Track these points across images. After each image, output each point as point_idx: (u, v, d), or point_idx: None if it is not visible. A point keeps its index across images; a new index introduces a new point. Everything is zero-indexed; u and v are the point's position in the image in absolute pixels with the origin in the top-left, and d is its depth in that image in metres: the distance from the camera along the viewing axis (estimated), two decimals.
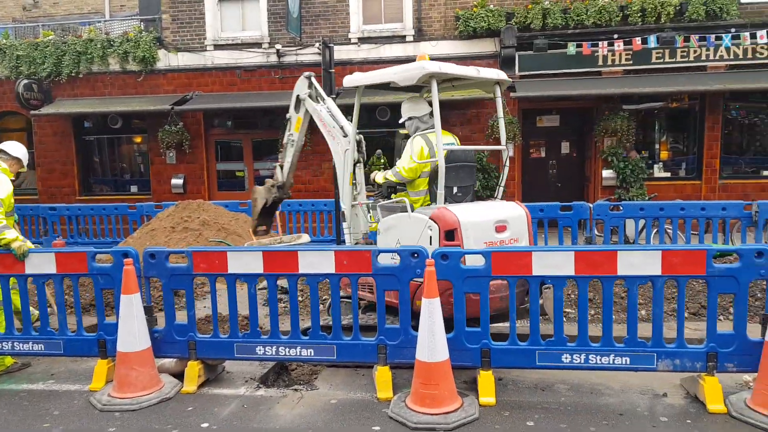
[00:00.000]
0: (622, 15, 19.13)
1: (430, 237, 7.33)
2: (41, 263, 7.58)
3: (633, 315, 6.48)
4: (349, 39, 21.05)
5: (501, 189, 8.83)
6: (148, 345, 7.05)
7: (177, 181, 22.04)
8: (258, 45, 21.58)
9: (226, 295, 7.44)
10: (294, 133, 10.38)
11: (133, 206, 17.65)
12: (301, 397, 7.00)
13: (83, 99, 22.40)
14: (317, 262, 7.02)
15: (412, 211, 7.72)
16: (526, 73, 19.89)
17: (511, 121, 18.75)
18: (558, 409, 6.45)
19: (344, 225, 8.67)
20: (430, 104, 8.44)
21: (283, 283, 9.67)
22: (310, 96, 9.90)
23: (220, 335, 7.37)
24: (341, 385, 7.33)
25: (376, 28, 21.12)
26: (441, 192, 7.59)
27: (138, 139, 23.60)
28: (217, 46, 21.83)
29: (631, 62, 19.29)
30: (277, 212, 15.79)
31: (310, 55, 21.13)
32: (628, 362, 6.44)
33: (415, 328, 6.62)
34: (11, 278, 7.86)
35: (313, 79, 10.02)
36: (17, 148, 8.50)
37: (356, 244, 8.70)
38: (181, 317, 7.50)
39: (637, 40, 18.48)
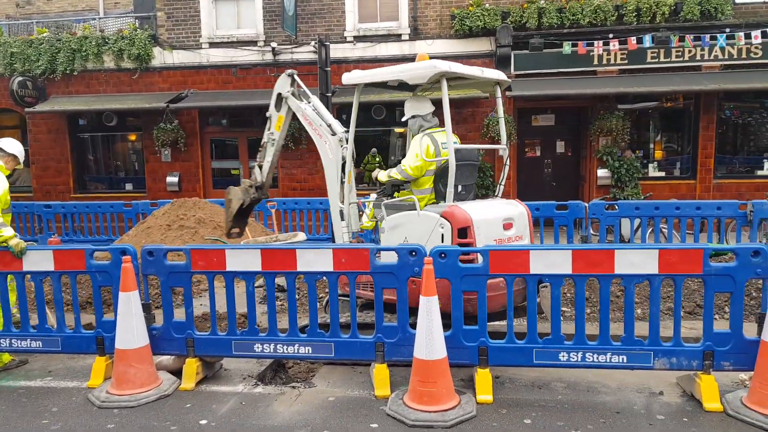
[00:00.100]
0: (618, 15, 19.17)
1: (442, 235, 7.36)
2: (39, 260, 7.58)
3: (630, 313, 6.51)
4: (345, 37, 21.06)
5: (501, 187, 8.86)
6: (146, 342, 7.06)
7: (172, 179, 22.03)
8: (253, 43, 21.57)
9: (223, 292, 7.45)
10: (275, 132, 10.28)
11: (128, 204, 17.60)
12: (299, 395, 7.02)
13: (78, 96, 22.37)
14: (315, 260, 7.03)
15: (421, 210, 7.74)
16: (522, 72, 19.91)
17: (506, 120, 18.72)
18: (555, 407, 6.47)
19: (342, 224, 8.65)
20: (433, 103, 8.50)
21: (279, 281, 9.66)
22: (293, 94, 9.86)
23: (218, 333, 7.37)
24: (339, 383, 7.35)
25: (371, 26, 21.13)
26: (450, 190, 7.64)
27: (133, 137, 23.60)
28: (213, 44, 21.82)
29: (626, 62, 19.34)
30: (273, 211, 15.86)
31: (305, 53, 21.14)
32: (625, 360, 6.46)
33: (413, 326, 6.65)
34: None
35: (296, 77, 9.98)
36: (13, 145, 8.46)
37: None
38: (179, 315, 7.50)
39: (633, 40, 18.53)
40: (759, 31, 18.02)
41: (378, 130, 21.50)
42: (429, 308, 6.23)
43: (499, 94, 8.83)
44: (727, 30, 18.56)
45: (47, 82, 22.55)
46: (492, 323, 7.00)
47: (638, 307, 9.38)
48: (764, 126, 20.17)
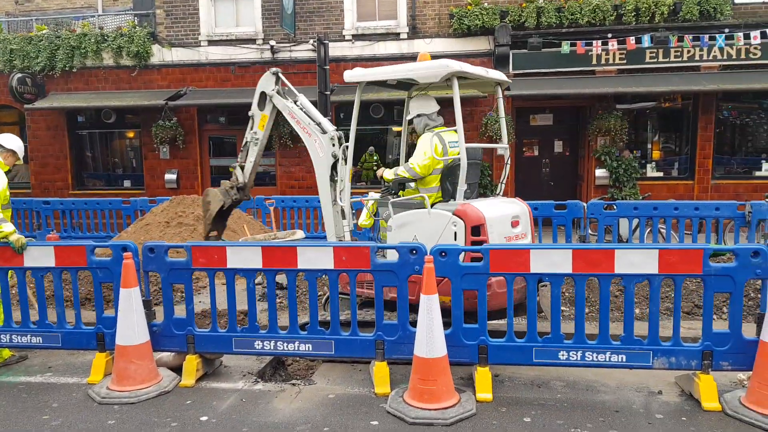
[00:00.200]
0: (616, 14, 19.17)
1: (455, 233, 7.41)
2: (40, 256, 7.60)
3: (630, 313, 6.54)
4: (344, 36, 21.04)
5: (502, 186, 8.90)
6: (146, 339, 7.08)
7: (170, 176, 22.01)
8: (252, 41, 21.55)
9: (222, 289, 7.47)
10: (258, 132, 10.30)
11: (127, 201, 17.65)
12: (299, 392, 7.04)
13: (77, 93, 22.35)
14: (316, 257, 7.06)
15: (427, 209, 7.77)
16: (520, 71, 19.89)
17: (506, 120, 18.77)
18: (554, 406, 6.50)
19: (344, 222, 8.65)
20: (438, 102, 8.52)
21: (278, 279, 9.67)
22: (278, 93, 9.85)
23: (219, 329, 7.39)
24: (339, 380, 7.38)
25: (370, 25, 21.12)
26: (461, 188, 7.69)
27: (131, 134, 23.55)
28: (211, 42, 21.80)
29: (624, 62, 19.33)
30: (272, 209, 15.87)
31: (304, 51, 21.14)
32: (624, 360, 6.49)
33: (413, 324, 6.67)
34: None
35: (281, 75, 9.98)
36: (12, 141, 8.45)
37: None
38: (179, 311, 7.53)
39: (631, 40, 18.52)
40: (758, 31, 18.01)
41: (376, 128, 21.50)
42: (429, 306, 6.25)
43: (500, 94, 8.87)
44: (726, 30, 18.56)
45: (46, 79, 22.53)
46: (491, 322, 7.02)
47: (636, 307, 9.40)
48: (762, 127, 20.20)
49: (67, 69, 22.07)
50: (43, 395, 7.12)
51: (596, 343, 6.54)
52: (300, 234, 12.31)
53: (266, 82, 9.99)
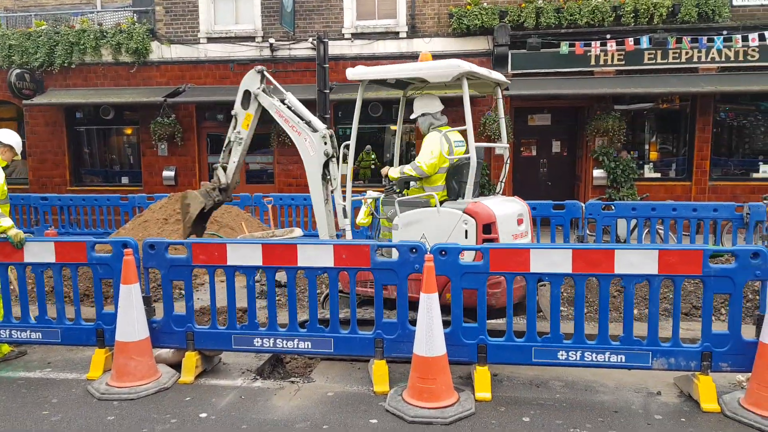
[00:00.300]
0: (615, 15, 19.16)
1: (466, 231, 7.46)
2: (40, 252, 7.61)
3: (629, 313, 6.54)
4: (343, 34, 21.03)
5: (501, 185, 8.93)
6: (146, 335, 7.09)
7: (168, 173, 21.98)
8: (251, 39, 21.54)
9: (221, 287, 7.48)
10: (242, 131, 10.19)
11: (125, 197, 17.68)
12: (298, 389, 7.05)
13: (75, 89, 22.33)
14: (316, 255, 7.07)
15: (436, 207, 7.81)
16: (519, 71, 19.89)
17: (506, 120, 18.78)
18: (553, 406, 6.51)
19: (346, 221, 8.63)
20: (442, 101, 8.53)
21: (277, 277, 9.66)
22: (264, 91, 9.81)
23: (218, 326, 7.40)
24: (337, 378, 7.38)
25: (369, 24, 21.11)
26: (470, 187, 7.76)
27: (130, 131, 23.53)
28: (211, 39, 21.78)
29: (623, 63, 19.35)
30: (270, 207, 15.86)
31: (303, 49, 21.12)
32: (623, 360, 6.50)
33: (412, 323, 6.68)
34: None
35: (266, 73, 9.93)
36: (10, 136, 8.43)
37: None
38: (179, 308, 7.53)
39: (630, 41, 18.51)
40: (756, 33, 18.01)
41: (375, 127, 21.52)
42: (429, 305, 6.26)
43: (499, 95, 8.92)
44: (725, 32, 18.56)
45: (45, 75, 22.50)
46: (491, 321, 7.03)
47: (634, 308, 9.42)
48: (759, 129, 20.21)
49: (65, 65, 22.04)
50: (42, 390, 7.13)
51: (595, 344, 6.55)
52: (298, 232, 12.29)
53: (251, 81, 9.93)
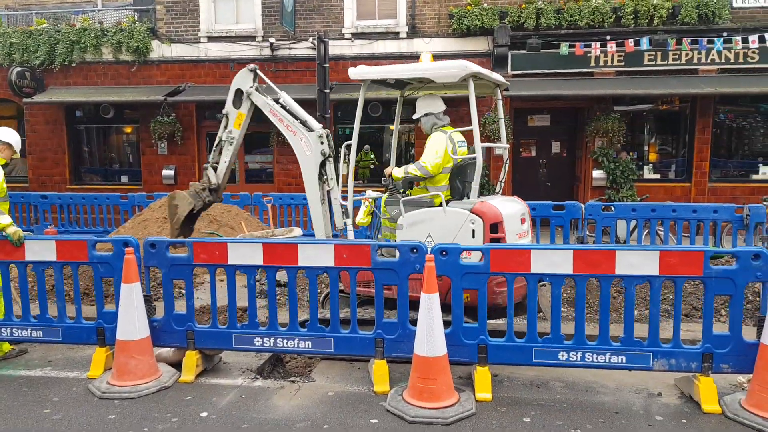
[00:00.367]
0: (615, 17, 19.15)
1: (473, 231, 7.50)
2: (41, 250, 7.61)
3: (630, 314, 6.54)
4: (343, 34, 21.04)
5: (501, 185, 8.95)
6: (147, 334, 7.10)
7: (168, 172, 21.97)
8: (252, 38, 21.55)
9: (221, 286, 7.48)
10: (234, 131, 10.09)
11: (124, 196, 17.71)
12: (298, 389, 7.06)
13: (76, 88, 22.33)
14: (317, 255, 7.07)
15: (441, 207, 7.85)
16: (519, 72, 19.89)
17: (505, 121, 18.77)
18: (554, 406, 6.52)
19: (348, 221, 8.62)
20: (445, 102, 8.56)
21: (278, 276, 9.65)
22: (257, 90, 9.76)
23: (219, 326, 7.41)
24: (338, 378, 7.39)
25: (369, 24, 21.13)
26: (476, 187, 7.81)
27: (129, 130, 23.55)
28: (211, 38, 21.78)
29: (623, 64, 19.34)
30: (270, 206, 15.87)
31: (303, 49, 21.13)
32: (624, 361, 6.51)
33: (413, 323, 6.69)
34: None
35: (259, 72, 9.87)
36: (8, 134, 8.41)
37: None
38: (179, 307, 7.54)
39: (630, 42, 18.51)
40: (756, 35, 18.01)
41: (374, 127, 21.53)
42: (430, 305, 6.26)
43: (499, 96, 8.94)
44: (725, 34, 18.54)
45: (45, 73, 22.50)
46: (490, 321, 7.04)
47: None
48: (759, 130, 20.21)
49: (66, 63, 22.05)
50: (43, 389, 7.14)
51: (596, 344, 6.55)
52: (297, 231, 12.30)
53: (243, 79, 9.86)
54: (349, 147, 8.56)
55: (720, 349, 6.35)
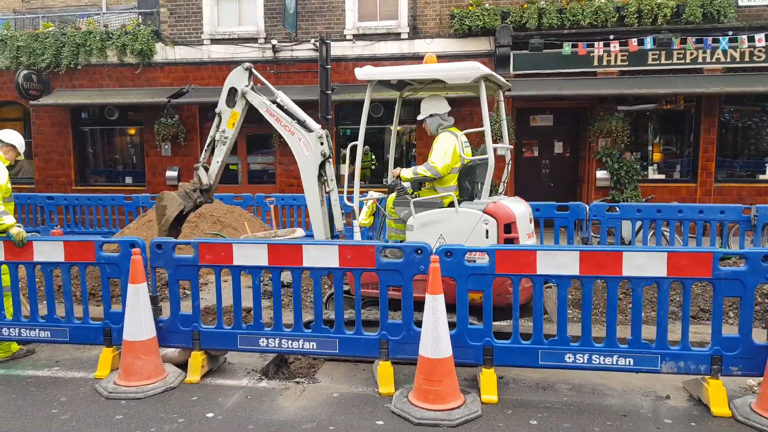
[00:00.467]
0: (619, 16, 19.12)
1: (487, 231, 7.54)
2: (50, 251, 7.63)
3: (637, 316, 6.48)
4: (345, 36, 21.10)
5: (504, 185, 8.95)
6: (153, 334, 7.11)
7: (172, 174, 21.99)
8: (254, 40, 21.62)
9: (225, 286, 7.49)
10: (227, 130, 9.96)
11: (129, 197, 17.77)
12: (303, 390, 7.05)
13: (81, 90, 22.48)
14: (321, 255, 7.07)
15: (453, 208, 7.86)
16: (521, 72, 19.89)
17: (507, 121, 18.72)
18: (561, 409, 6.48)
19: (355, 222, 8.59)
20: (449, 103, 8.55)
21: (281, 277, 9.61)
22: (252, 89, 9.66)
23: (224, 326, 7.41)
24: (342, 379, 7.38)
25: (371, 25, 21.18)
26: (487, 188, 7.84)
27: (134, 131, 23.70)
28: (214, 41, 21.88)
29: (626, 63, 19.30)
30: (272, 207, 15.86)
31: (305, 50, 21.19)
32: (631, 363, 6.46)
33: (417, 324, 6.69)
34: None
35: (254, 70, 9.77)
36: (12, 136, 8.43)
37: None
38: (185, 308, 7.55)
39: (633, 41, 18.48)
40: (762, 34, 18.00)
41: (375, 127, 21.51)
42: (435, 306, 6.24)
43: (501, 97, 8.93)
44: (730, 33, 18.51)
45: (51, 76, 22.68)
46: (496, 323, 7.02)
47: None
48: (765, 130, 20.13)
49: (72, 66, 22.21)
50: (51, 389, 7.16)
51: (603, 346, 6.51)
52: (300, 232, 12.27)
53: (237, 78, 9.74)
54: (354, 148, 8.53)
55: (729, 352, 6.30)
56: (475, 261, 6.91)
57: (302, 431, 6.06)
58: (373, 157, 21.76)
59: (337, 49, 20.34)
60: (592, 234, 13.40)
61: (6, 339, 8.02)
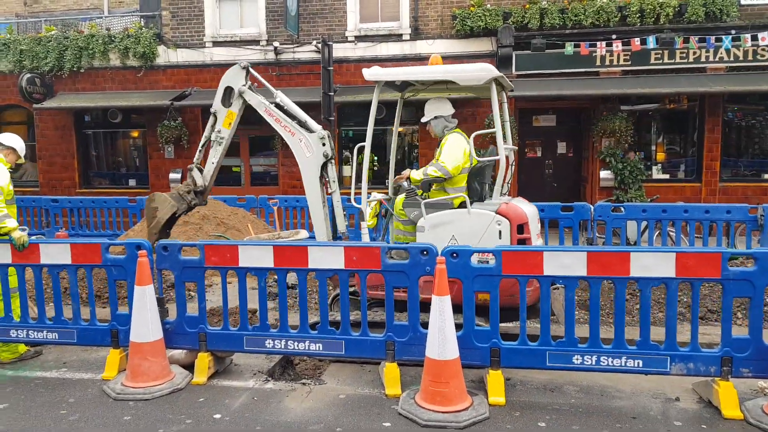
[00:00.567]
0: (621, 15, 19.08)
1: (500, 231, 7.55)
2: (56, 253, 7.64)
3: (646, 317, 6.45)
4: (346, 37, 21.10)
5: (508, 186, 8.93)
6: (160, 336, 7.13)
7: (175, 176, 22.00)
8: (256, 42, 21.65)
9: (230, 288, 7.48)
10: (224, 130, 9.87)
11: (133, 200, 17.83)
12: (309, 391, 7.05)
13: (84, 93, 22.54)
14: (327, 257, 7.06)
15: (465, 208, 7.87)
16: (523, 72, 19.86)
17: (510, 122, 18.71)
18: (569, 411, 6.45)
19: (363, 224, 8.56)
20: (453, 104, 8.54)
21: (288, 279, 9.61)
22: (250, 89, 9.60)
23: (230, 328, 7.41)
24: (348, 381, 7.38)
25: (372, 26, 21.18)
26: (498, 189, 7.88)
27: (137, 134, 23.74)
28: (216, 43, 21.91)
29: (629, 63, 19.25)
30: (276, 208, 15.86)
31: (307, 52, 21.20)
32: (640, 365, 6.41)
33: (424, 326, 6.67)
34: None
35: (251, 69, 9.70)
36: (12, 139, 8.45)
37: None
38: (191, 309, 7.57)
39: (636, 41, 18.45)
40: (765, 32, 17.92)
41: (376, 129, 21.45)
42: (442, 308, 6.22)
43: (505, 98, 8.91)
44: (733, 32, 18.46)
45: (55, 79, 22.75)
46: (502, 325, 7.00)
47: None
48: None
49: (74, 69, 22.29)
50: (59, 390, 7.18)
51: (611, 348, 6.47)
52: (303, 233, 12.28)
53: (234, 77, 9.70)
54: (361, 149, 8.51)
55: (740, 353, 6.23)
56: (488, 262, 6.88)
57: None
58: (375, 158, 21.75)
59: (339, 50, 20.32)
60: (597, 234, 13.37)
61: (14, 341, 8.05)
